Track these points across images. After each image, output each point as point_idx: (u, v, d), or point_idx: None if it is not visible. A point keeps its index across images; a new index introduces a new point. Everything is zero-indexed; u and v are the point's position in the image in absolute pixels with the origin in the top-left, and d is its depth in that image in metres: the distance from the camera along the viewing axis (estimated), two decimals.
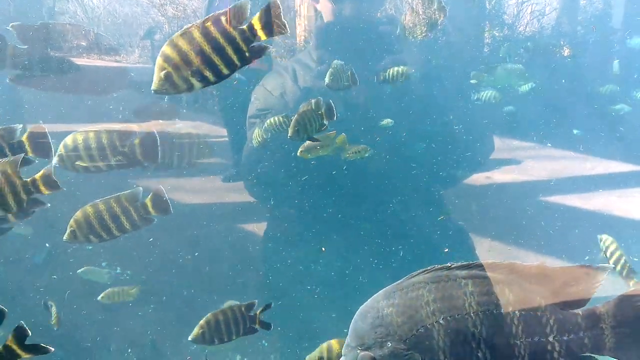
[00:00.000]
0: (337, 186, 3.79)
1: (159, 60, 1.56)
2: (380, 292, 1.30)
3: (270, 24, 1.54)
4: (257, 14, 1.55)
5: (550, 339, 1.19)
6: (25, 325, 1.63)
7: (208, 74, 1.56)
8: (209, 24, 1.53)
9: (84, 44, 3.82)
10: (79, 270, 3.53)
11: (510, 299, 1.19)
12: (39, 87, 3.08)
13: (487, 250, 3.98)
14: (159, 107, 3.96)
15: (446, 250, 3.74)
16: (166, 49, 1.55)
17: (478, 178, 4.01)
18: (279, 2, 1.54)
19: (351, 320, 3.56)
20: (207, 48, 1.53)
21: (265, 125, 3.22)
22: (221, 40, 1.52)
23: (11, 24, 2.96)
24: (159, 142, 2.28)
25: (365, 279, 3.89)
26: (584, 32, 4.47)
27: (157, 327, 3.84)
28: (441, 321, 1.18)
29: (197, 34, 1.53)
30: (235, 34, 1.54)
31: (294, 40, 4.55)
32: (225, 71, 1.57)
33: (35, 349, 1.63)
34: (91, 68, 3.86)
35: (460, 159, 3.84)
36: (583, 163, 4.35)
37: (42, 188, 1.87)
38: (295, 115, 2.50)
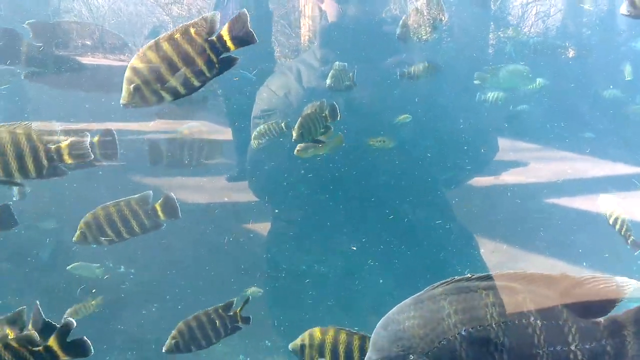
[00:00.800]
0: (342, 187, 3.79)
1: (128, 74, 1.54)
2: (400, 304, 1.30)
3: (240, 34, 1.54)
4: (226, 25, 1.55)
5: (573, 347, 1.20)
6: (72, 319, 1.61)
7: (178, 86, 1.56)
8: (178, 35, 1.52)
9: (89, 43, 3.84)
10: (68, 267, 3.53)
11: (531, 309, 1.19)
12: (52, 85, 3.10)
13: (491, 252, 3.98)
14: (172, 106, 3.99)
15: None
16: (135, 61, 1.54)
17: (482, 179, 4.01)
18: (246, 12, 1.55)
19: (355, 320, 3.55)
20: (176, 60, 1.52)
21: (256, 132, 3.20)
22: (191, 52, 1.52)
23: (27, 22, 2.98)
24: (117, 140, 2.26)
25: (370, 280, 3.90)
26: (590, 33, 4.46)
27: (160, 326, 3.84)
28: (463, 333, 1.18)
29: (166, 46, 1.52)
30: (205, 45, 1.53)
31: (298, 40, 4.56)
32: (195, 83, 1.57)
33: (76, 349, 1.61)
34: (103, 67, 3.88)
35: (464, 160, 3.84)
36: (588, 164, 4.34)
37: (66, 157, 1.79)
38: (300, 118, 2.50)
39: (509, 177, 4.25)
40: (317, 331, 1.85)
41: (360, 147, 3.71)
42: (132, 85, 1.53)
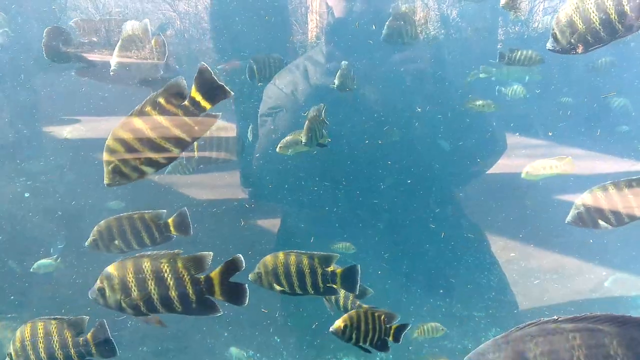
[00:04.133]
0: (349, 185, 3.79)
1: (105, 155, 1.55)
2: (488, 342, 1.28)
3: (211, 91, 1.52)
4: (193, 86, 1.52)
5: None
6: (241, 258, 1.59)
7: (157, 158, 1.57)
8: (148, 108, 1.51)
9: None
10: (31, 269, 3.58)
11: (618, 352, 1.18)
12: (100, 80, 3.13)
13: (502, 249, 3.98)
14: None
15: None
16: (110, 142, 1.55)
17: (491, 176, 4.00)
18: (206, 65, 1.52)
19: None
20: (150, 134, 1.52)
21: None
22: (165, 124, 1.52)
23: (73, 20, 3.01)
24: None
25: (378, 277, 3.91)
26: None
27: (172, 322, 3.89)
28: None
29: (138, 123, 1.52)
30: (179, 111, 1.53)
31: (305, 37, 4.55)
32: (175, 152, 1.58)
33: (235, 290, 1.59)
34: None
35: (472, 157, 3.83)
36: (598, 161, 4.32)
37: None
38: (306, 123, 2.51)
39: (517, 174, 4.24)
40: (269, 258, 1.93)
41: (367, 145, 3.71)
42: (111, 166, 1.55)
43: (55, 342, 1.77)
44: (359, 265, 1.95)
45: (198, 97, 1.52)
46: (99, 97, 4.11)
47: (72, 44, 2.78)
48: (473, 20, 4.25)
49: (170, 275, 1.57)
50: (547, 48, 1.71)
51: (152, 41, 2.65)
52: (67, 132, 4.38)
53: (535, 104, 4.00)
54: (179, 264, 1.58)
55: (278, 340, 3.91)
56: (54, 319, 1.81)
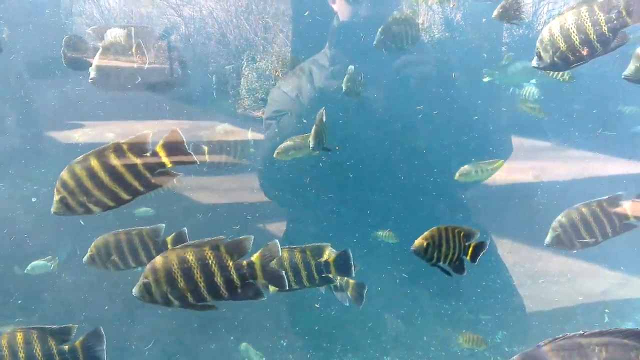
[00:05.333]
0: (355, 189, 3.80)
1: (57, 185, 1.63)
2: (513, 358, 1.28)
3: (175, 153, 1.61)
4: (161, 142, 1.61)
5: None
6: (277, 243, 1.62)
7: (106, 200, 1.64)
8: (110, 151, 1.58)
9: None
10: (25, 271, 3.59)
11: None
12: (115, 88, 3.17)
13: (508, 252, 3.97)
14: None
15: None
16: (64, 175, 1.63)
17: (497, 179, 3.99)
18: (179, 131, 1.61)
19: (370, 318, 3.55)
20: (104, 177, 1.59)
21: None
22: (120, 170, 1.59)
23: (90, 28, 3.05)
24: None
25: (384, 279, 3.91)
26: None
27: (177, 325, 3.89)
28: None
29: (95, 162, 1.60)
30: (138, 161, 1.62)
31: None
32: (125, 196, 1.64)
33: (276, 274, 1.61)
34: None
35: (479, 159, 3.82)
36: (603, 164, 4.31)
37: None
38: (314, 127, 2.51)
39: (524, 177, 4.24)
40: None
41: (373, 148, 3.72)
42: (59, 197, 1.63)
43: (37, 350, 1.72)
44: (349, 249, 1.95)
45: (161, 154, 1.63)
46: (109, 101, 4.13)
47: (88, 52, 2.81)
48: (478, 23, 4.25)
49: (214, 262, 1.58)
50: (532, 65, 1.82)
51: (134, 48, 2.67)
52: (77, 135, 4.41)
53: (544, 107, 4.00)
54: (222, 250, 1.59)
55: (285, 344, 3.90)
56: (35, 328, 1.76)
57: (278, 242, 1.64)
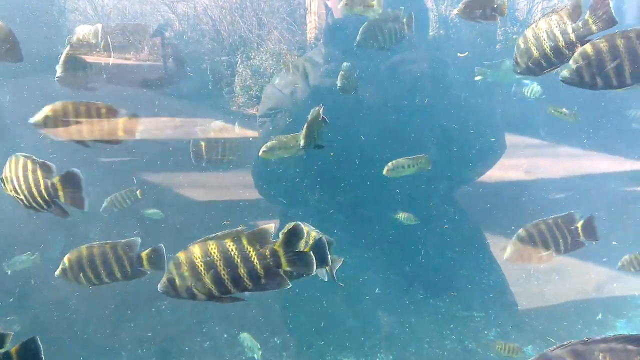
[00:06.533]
0: (349, 186, 3.79)
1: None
2: None
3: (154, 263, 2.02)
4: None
5: None
6: (301, 225, 1.58)
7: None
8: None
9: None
10: (8, 271, 3.60)
11: None
12: (82, 86, 3.16)
13: (501, 249, 3.98)
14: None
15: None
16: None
17: (491, 177, 4.00)
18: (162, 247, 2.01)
19: (363, 318, 3.54)
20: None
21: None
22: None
23: (97, 24, 3.04)
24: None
25: (377, 279, 3.91)
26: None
27: (171, 323, 3.89)
28: None
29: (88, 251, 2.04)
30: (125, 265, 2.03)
31: (304, 37, 4.55)
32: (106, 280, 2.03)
33: (302, 259, 1.59)
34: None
35: (472, 158, 3.83)
36: (596, 161, 4.32)
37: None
38: (306, 124, 2.43)
39: (517, 175, 4.24)
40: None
41: (367, 146, 3.71)
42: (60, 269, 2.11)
43: None
44: (323, 237, 1.72)
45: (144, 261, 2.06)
46: (103, 98, 4.11)
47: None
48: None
49: (237, 254, 1.58)
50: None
51: (102, 45, 2.65)
52: None
53: (538, 104, 4.00)
54: (244, 241, 1.58)
55: (278, 341, 3.91)
56: None
57: (302, 225, 1.59)
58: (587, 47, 1.72)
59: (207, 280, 1.58)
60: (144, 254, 2.09)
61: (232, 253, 1.57)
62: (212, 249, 1.58)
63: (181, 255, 1.60)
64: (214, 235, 1.59)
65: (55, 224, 3.84)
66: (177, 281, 1.59)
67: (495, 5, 2.24)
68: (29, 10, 4.73)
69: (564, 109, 3.55)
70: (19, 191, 1.98)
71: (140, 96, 4.37)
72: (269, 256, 1.57)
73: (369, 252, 3.88)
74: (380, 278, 3.92)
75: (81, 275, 2.08)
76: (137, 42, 4.78)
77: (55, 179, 2.00)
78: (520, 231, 2.34)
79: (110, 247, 2.07)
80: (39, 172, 1.99)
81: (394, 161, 2.95)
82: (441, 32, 4.33)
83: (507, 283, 4.04)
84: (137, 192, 3.62)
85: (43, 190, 1.98)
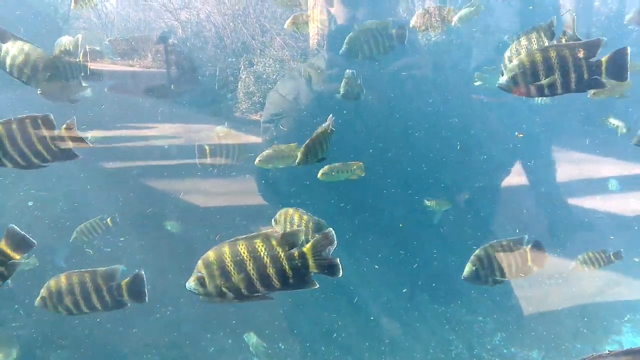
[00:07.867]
0: (353, 191, 3.80)
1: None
2: None
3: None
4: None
5: None
6: (332, 231, 1.71)
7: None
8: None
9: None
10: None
11: None
12: (130, 94, 3.17)
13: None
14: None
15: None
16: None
17: (495, 181, 4.00)
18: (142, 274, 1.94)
19: (367, 323, 3.52)
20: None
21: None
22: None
23: (108, 39, 3.04)
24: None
25: (382, 283, 3.90)
26: (601, 32, 4.45)
27: (174, 329, 3.87)
28: None
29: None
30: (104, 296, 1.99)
31: (307, 44, 4.57)
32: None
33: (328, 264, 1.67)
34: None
35: (481, 163, 3.83)
36: (601, 166, 4.33)
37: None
38: (309, 140, 2.25)
39: (524, 179, 4.24)
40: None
41: (370, 151, 3.72)
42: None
43: None
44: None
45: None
46: (109, 105, 4.13)
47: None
48: (472, 26, 4.28)
49: (266, 254, 1.62)
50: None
51: (81, 56, 2.65)
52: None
53: (539, 110, 4.02)
54: (273, 242, 1.62)
55: (283, 347, 3.89)
56: None
57: (333, 230, 1.67)
58: (524, 57, 1.81)
59: (237, 279, 1.61)
60: (123, 283, 2.02)
61: (261, 254, 1.62)
62: (242, 249, 1.62)
63: (210, 255, 1.62)
64: (244, 236, 1.64)
65: (61, 230, 3.85)
66: (207, 280, 1.62)
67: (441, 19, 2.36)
68: (32, 18, 4.77)
69: (615, 120, 3.62)
70: None
71: (144, 103, 4.39)
72: (297, 258, 1.62)
73: (372, 256, 3.88)
74: (384, 283, 3.91)
75: (60, 305, 2.02)
76: (141, 49, 4.81)
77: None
78: (478, 250, 2.37)
79: (89, 275, 2.01)
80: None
81: (328, 165, 2.95)
82: (444, 37, 4.35)
83: (512, 287, 4.03)
84: (108, 220, 3.58)
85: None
